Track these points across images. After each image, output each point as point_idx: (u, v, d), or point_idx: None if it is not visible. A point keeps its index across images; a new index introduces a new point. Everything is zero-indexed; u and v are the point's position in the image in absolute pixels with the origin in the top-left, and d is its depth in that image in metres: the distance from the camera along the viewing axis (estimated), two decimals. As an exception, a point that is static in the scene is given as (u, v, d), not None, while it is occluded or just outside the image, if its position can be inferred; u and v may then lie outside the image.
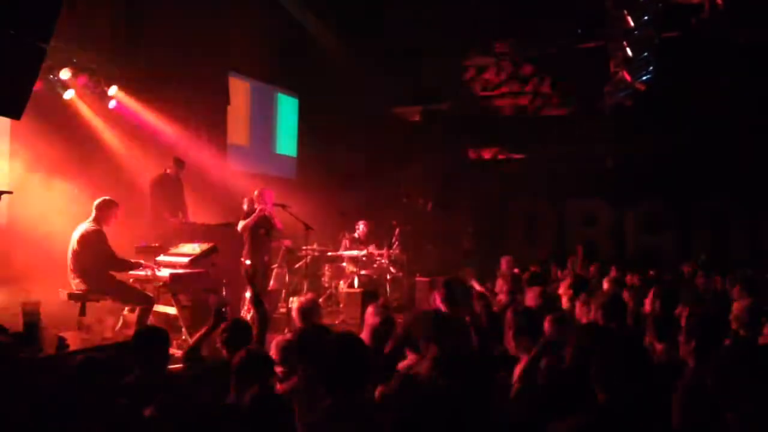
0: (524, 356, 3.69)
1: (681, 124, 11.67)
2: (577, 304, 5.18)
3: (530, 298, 5.22)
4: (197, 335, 4.33)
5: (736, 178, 11.55)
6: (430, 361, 3.10)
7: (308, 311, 4.63)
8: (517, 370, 3.61)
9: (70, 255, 6.15)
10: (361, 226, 10.48)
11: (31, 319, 4.75)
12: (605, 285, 6.55)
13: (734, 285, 6.48)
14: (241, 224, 7.61)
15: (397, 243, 10.73)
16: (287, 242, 8.85)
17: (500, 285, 6.70)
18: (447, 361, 2.97)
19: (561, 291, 5.94)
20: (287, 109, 13.01)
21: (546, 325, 4.02)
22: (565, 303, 5.62)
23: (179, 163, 8.22)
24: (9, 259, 7.14)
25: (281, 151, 12.89)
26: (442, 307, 4.79)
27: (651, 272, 8.88)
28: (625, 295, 5.60)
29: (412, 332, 3.92)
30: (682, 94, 11.30)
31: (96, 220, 6.24)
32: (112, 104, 8.31)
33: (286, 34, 11.87)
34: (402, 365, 3.73)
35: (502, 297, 6.19)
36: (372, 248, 10.13)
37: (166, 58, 9.08)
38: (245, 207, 7.83)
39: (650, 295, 4.95)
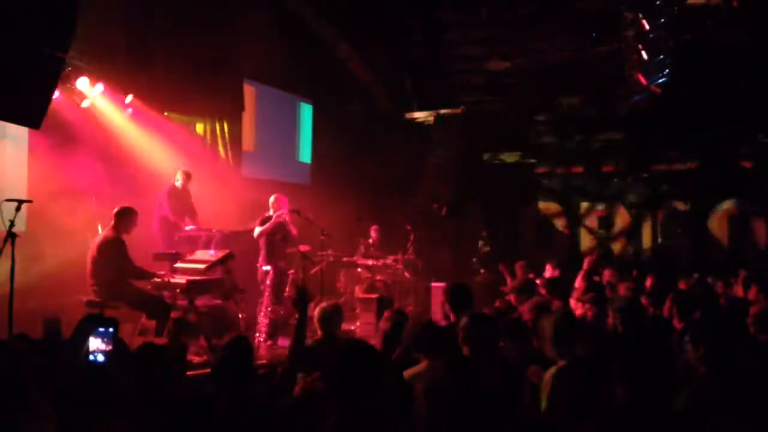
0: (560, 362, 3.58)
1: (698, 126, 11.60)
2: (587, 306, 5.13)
3: None
4: None
5: (752, 181, 11.49)
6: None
7: (327, 318, 4.55)
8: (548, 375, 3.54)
9: (89, 262, 6.21)
10: (373, 233, 10.52)
11: (52, 327, 4.81)
12: (621, 290, 6.48)
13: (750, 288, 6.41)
14: (257, 230, 7.68)
15: (411, 248, 10.74)
16: (305, 247, 8.84)
17: None
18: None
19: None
20: (301, 115, 13.05)
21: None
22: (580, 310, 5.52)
23: (187, 175, 8.31)
24: (29, 266, 7.21)
25: (295, 157, 12.93)
26: (451, 316, 4.71)
27: (668, 276, 8.78)
28: (643, 300, 5.56)
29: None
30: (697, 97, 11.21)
31: (115, 228, 6.31)
32: (128, 112, 8.40)
33: (300, 40, 11.91)
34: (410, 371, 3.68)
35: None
36: (378, 256, 10.17)
37: (180, 66, 9.15)
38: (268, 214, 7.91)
39: (668, 301, 4.91)
